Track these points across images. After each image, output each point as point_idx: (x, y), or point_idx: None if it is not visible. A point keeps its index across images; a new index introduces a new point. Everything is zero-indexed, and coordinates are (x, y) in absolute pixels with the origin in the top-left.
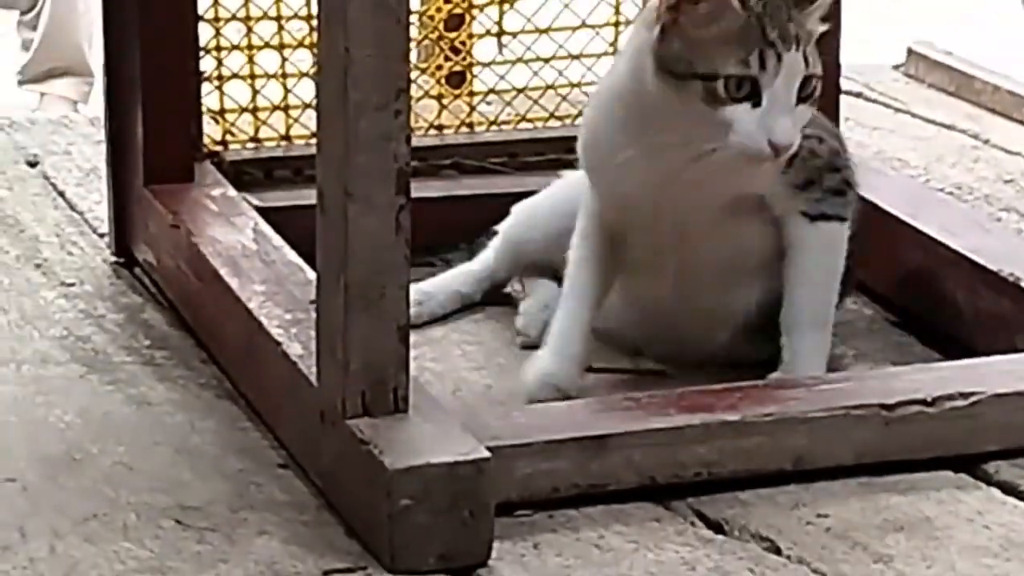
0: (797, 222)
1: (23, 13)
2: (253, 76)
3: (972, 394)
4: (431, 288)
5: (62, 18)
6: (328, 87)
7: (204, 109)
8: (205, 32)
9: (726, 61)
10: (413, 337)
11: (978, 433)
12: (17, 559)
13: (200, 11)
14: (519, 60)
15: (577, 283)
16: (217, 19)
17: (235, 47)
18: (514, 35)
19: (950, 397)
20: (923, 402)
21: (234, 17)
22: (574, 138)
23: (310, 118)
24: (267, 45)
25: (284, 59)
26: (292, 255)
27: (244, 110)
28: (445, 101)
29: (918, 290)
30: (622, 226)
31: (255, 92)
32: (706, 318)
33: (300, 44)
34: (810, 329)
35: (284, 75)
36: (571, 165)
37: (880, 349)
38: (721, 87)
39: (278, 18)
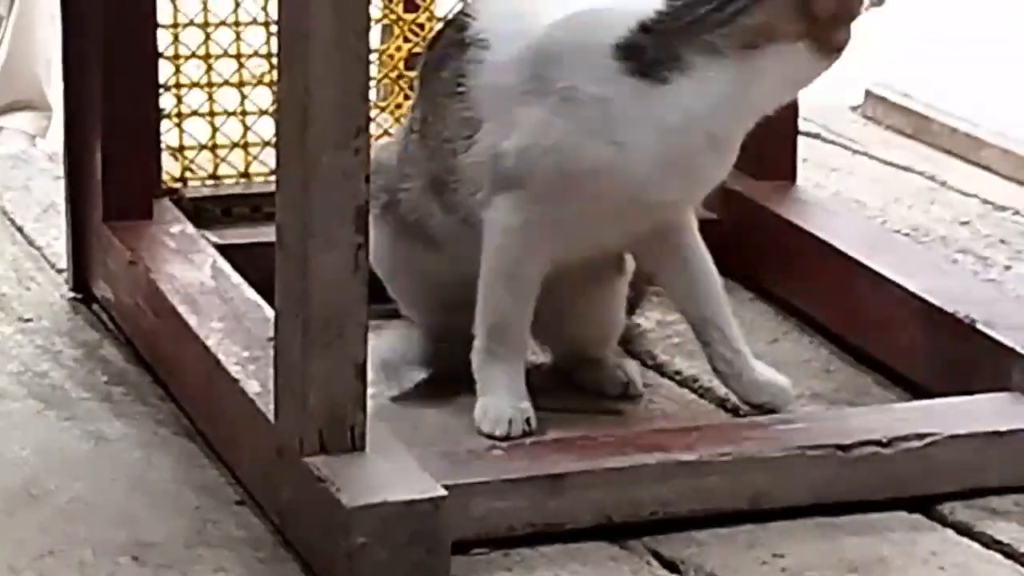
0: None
1: None
2: (212, 113)
3: (927, 435)
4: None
5: (20, 52)
6: (288, 125)
7: (163, 146)
8: (165, 69)
9: None
10: (369, 375)
11: (933, 474)
12: None
13: (160, 48)
14: None
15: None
16: (177, 56)
17: (195, 84)
18: None
19: (905, 438)
20: (879, 443)
21: (193, 55)
22: None
23: (270, 155)
24: (226, 83)
25: (244, 96)
26: (251, 292)
27: (203, 147)
28: None
29: (874, 331)
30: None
31: (214, 129)
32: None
33: (259, 82)
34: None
35: (244, 112)
36: None
37: (836, 390)
38: None
39: (238, 56)
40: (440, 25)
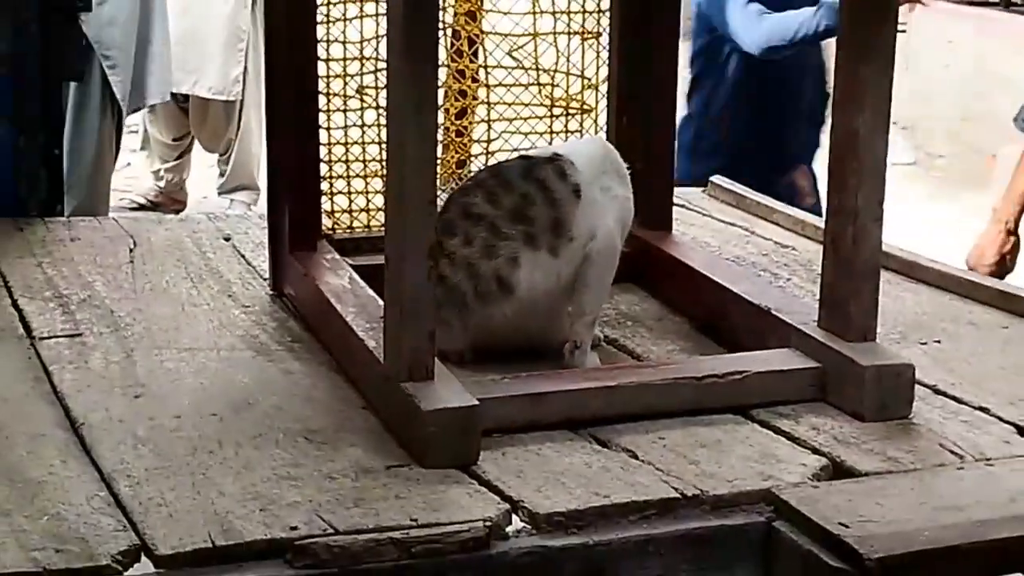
0: None
1: (220, 155)
2: (350, 192)
3: (743, 371)
4: None
5: (242, 158)
6: (391, 199)
7: (323, 211)
8: (323, 168)
9: None
10: None
11: (746, 393)
12: (217, 457)
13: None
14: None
15: None
16: (331, 162)
17: (340, 176)
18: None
19: (732, 373)
20: (717, 376)
21: (339, 160)
22: None
23: (381, 216)
24: (360, 175)
25: (367, 180)
26: (371, 292)
27: (344, 211)
28: None
29: (714, 315)
30: None
31: (351, 201)
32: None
33: (375, 174)
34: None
35: (366, 191)
36: None
37: (693, 347)
38: None
39: (363, 161)
40: None
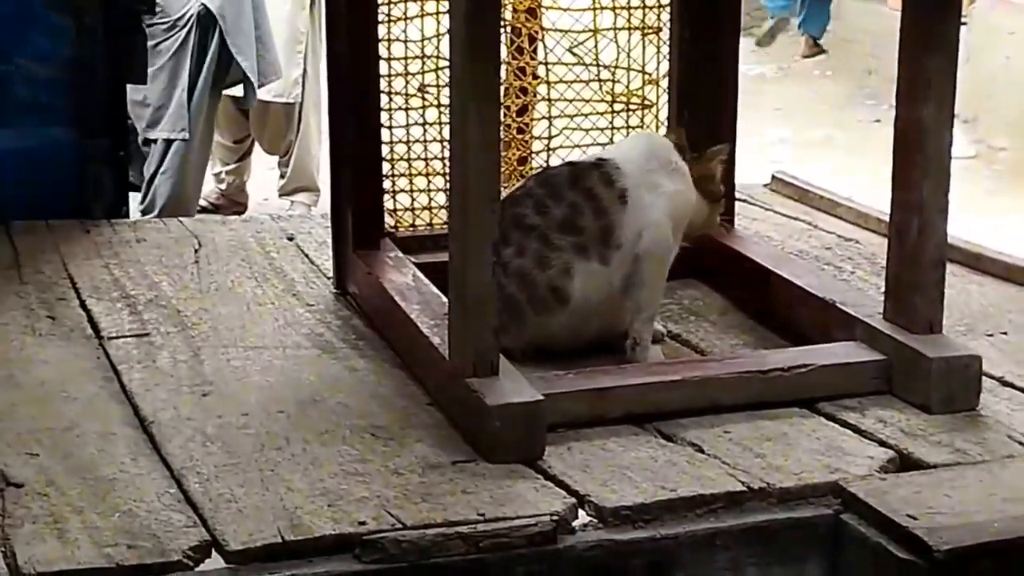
0: None
1: (280, 157)
2: (412, 190)
3: (808, 365)
4: None
5: (302, 157)
6: (456, 196)
7: (385, 209)
8: (385, 166)
9: None
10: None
11: (812, 386)
12: (284, 453)
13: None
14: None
15: None
16: (392, 159)
17: (402, 175)
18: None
19: (797, 367)
20: (782, 369)
21: (401, 159)
22: None
23: (444, 213)
24: (422, 173)
25: (430, 179)
26: (435, 289)
27: (407, 210)
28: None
29: (779, 307)
30: None
31: (413, 199)
32: None
33: (438, 172)
34: None
35: (429, 188)
36: None
37: (758, 340)
38: None
39: (425, 159)
40: None
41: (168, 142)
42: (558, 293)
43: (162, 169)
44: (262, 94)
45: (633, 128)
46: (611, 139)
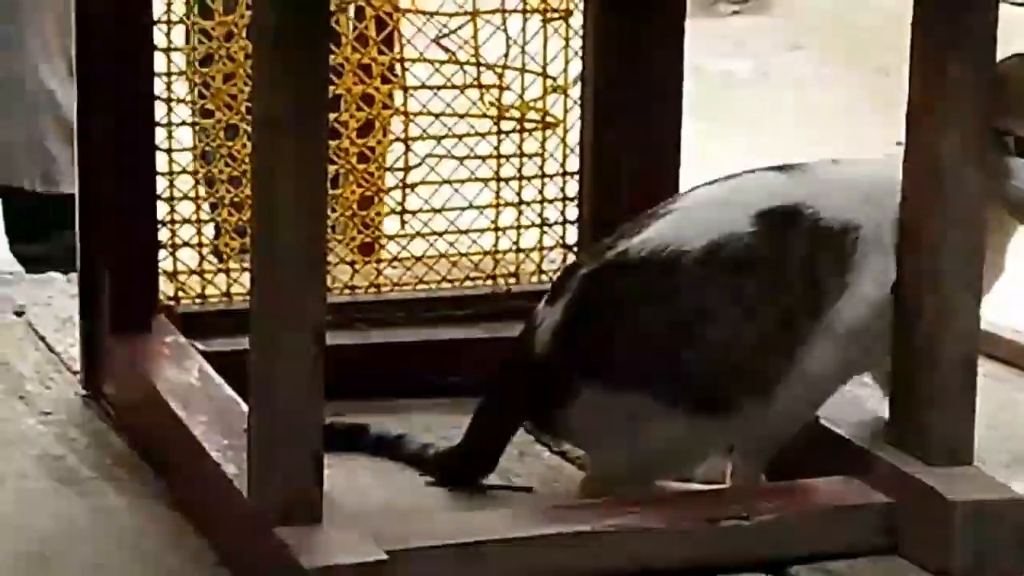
0: None
1: None
2: (201, 244)
3: (778, 510)
4: None
5: None
6: (260, 260)
7: (160, 271)
8: (162, 208)
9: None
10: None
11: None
12: None
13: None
14: (418, 234)
15: None
16: (172, 198)
17: (187, 221)
18: (414, 213)
19: (766, 512)
20: (741, 517)
21: (185, 196)
22: (463, 298)
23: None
24: (211, 219)
25: (226, 231)
26: (230, 391)
27: (193, 272)
28: (357, 267)
29: None
30: None
31: (202, 258)
32: None
33: (239, 221)
34: None
35: (227, 245)
36: (461, 320)
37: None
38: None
39: (220, 202)
40: None
41: None
42: None
43: None
44: None
45: (530, 156)
46: (498, 169)
